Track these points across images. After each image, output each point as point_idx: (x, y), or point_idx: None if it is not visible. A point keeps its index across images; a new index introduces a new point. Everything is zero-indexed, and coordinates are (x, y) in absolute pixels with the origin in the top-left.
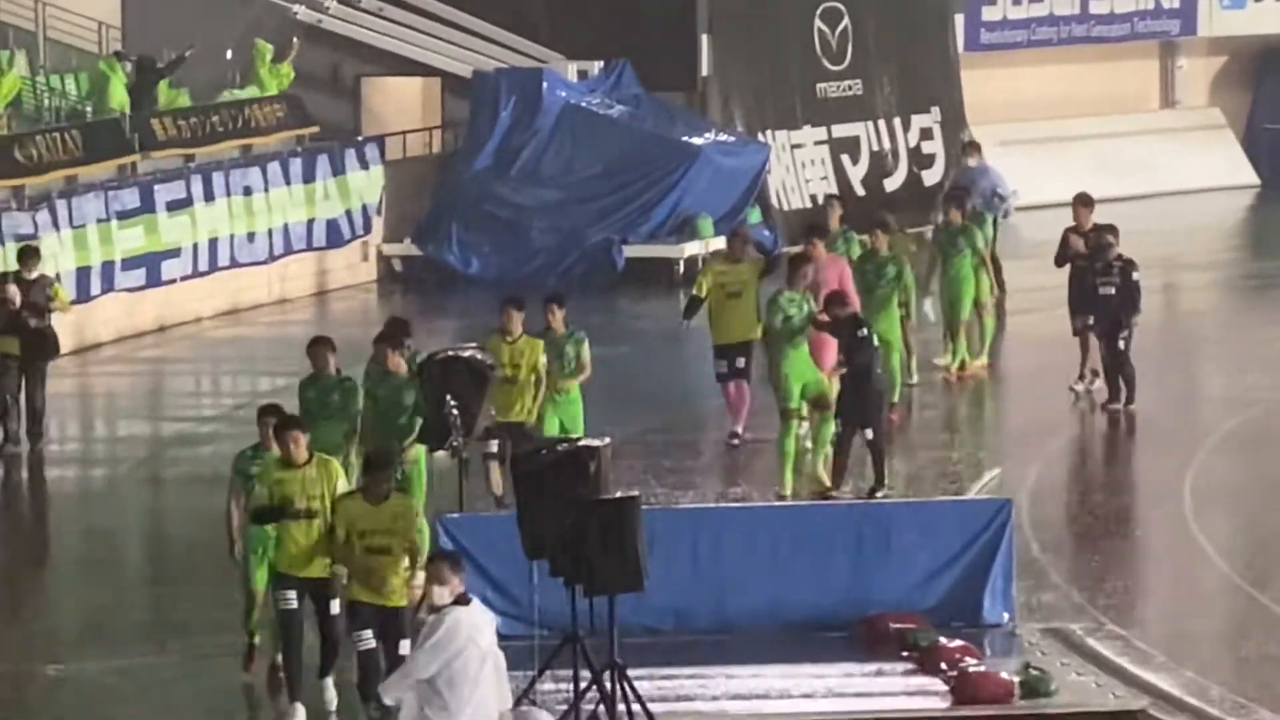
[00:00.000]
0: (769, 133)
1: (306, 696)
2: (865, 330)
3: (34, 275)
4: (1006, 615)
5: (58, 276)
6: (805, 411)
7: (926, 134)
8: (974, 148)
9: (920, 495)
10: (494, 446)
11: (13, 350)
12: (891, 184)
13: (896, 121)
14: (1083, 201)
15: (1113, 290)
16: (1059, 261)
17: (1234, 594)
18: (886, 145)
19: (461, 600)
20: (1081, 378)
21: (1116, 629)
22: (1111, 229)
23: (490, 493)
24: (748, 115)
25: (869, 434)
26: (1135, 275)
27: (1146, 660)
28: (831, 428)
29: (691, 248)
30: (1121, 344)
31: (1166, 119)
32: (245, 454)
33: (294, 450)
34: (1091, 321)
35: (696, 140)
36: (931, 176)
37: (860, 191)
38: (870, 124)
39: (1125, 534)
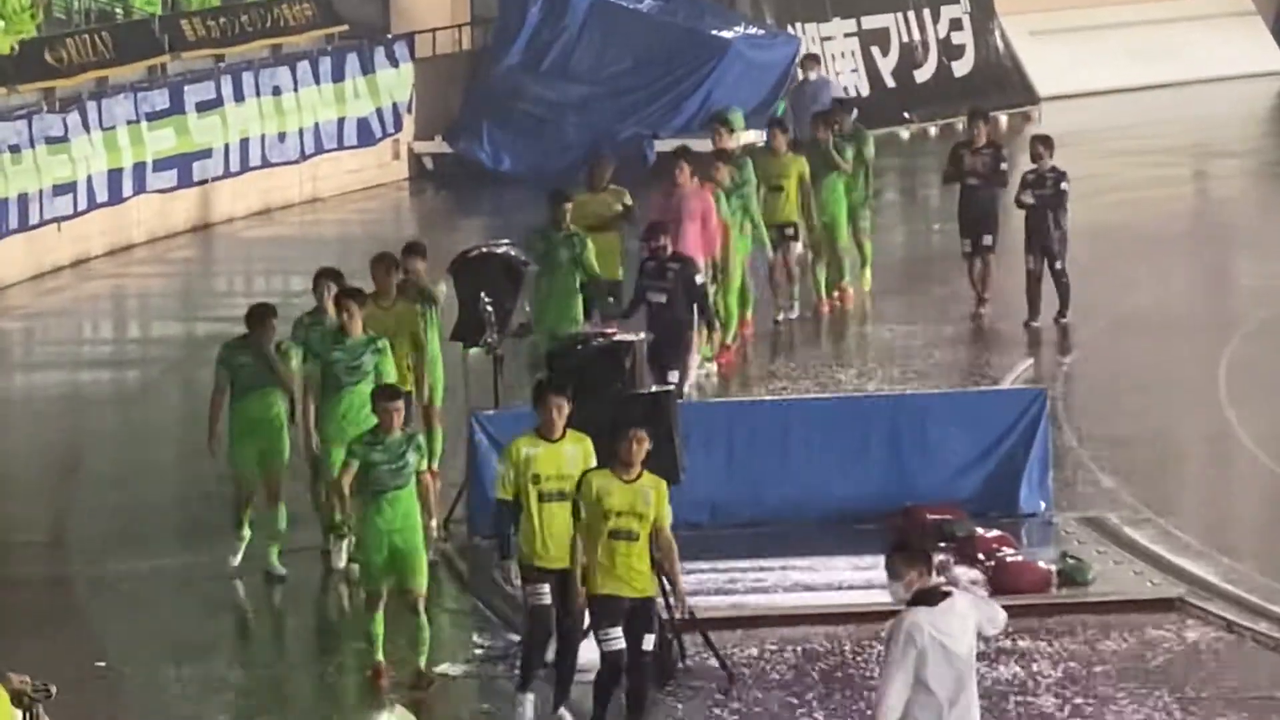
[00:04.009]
0: (798, 25)
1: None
2: (700, 278)
3: None
4: (1043, 505)
5: (90, 179)
6: None
7: (956, 24)
8: (813, 61)
9: (954, 386)
10: None
11: None
12: (921, 75)
13: (926, 12)
14: (980, 116)
15: (1043, 201)
16: (947, 179)
17: (1270, 481)
18: (916, 37)
19: (924, 597)
20: (981, 303)
21: (1153, 517)
22: (1044, 139)
23: None
24: (777, 8)
25: (672, 376)
26: (1065, 185)
27: (1183, 548)
28: None
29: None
30: (1060, 263)
31: (1196, 5)
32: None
33: (559, 421)
34: (988, 238)
35: (726, 34)
36: (961, 68)
37: (890, 83)
38: (900, 15)
39: (1161, 422)
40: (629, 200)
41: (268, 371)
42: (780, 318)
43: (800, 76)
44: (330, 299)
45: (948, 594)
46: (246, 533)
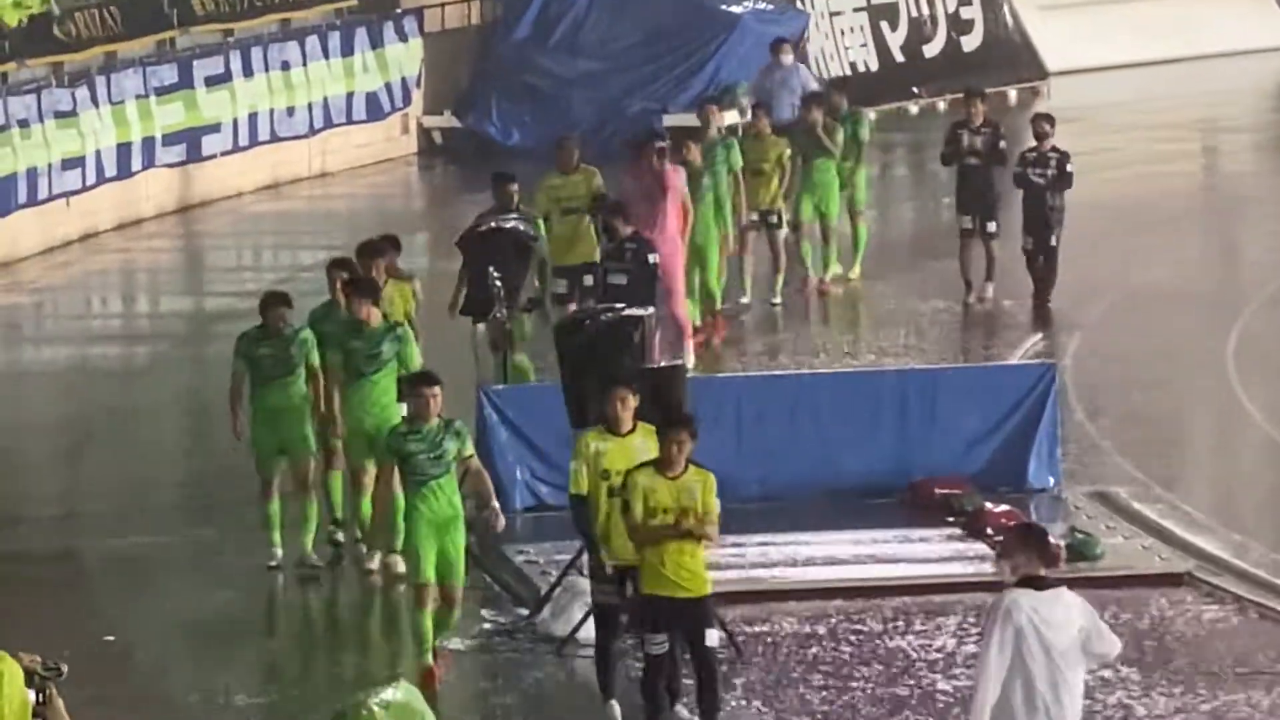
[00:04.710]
0: (807, 0)
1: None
2: (654, 257)
3: None
4: (1052, 479)
5: (98, 154)
6: None
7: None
8: (784, 45)
9: (963, 361)
10: None
11: None
12: (930, 50)
13: None
14: (976, 94)
15: (1044, 182)
16: (947, 160)
17: (1278, 455)
18: (925, 11)
19: (1032, 582)
20: (970, 285)
21: (1162, 492)
22: (1048, 118)
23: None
24: None
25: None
26: (1070, 168)
27: (1192, 523)
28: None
29: (731, 116)
30: (1054, 240)
31: None
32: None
33: (624, 414)
34: (986, 222)
35: (735, 8)
36: (970, 43)
37: (899, 59)
38: None
39: (1169, 397)
40: (599, 181)
41: (288, 360)
42: (744, 300)
43: (771, 60)
44: (341, 289)
45: (1057, 584)
46: (278, 538)
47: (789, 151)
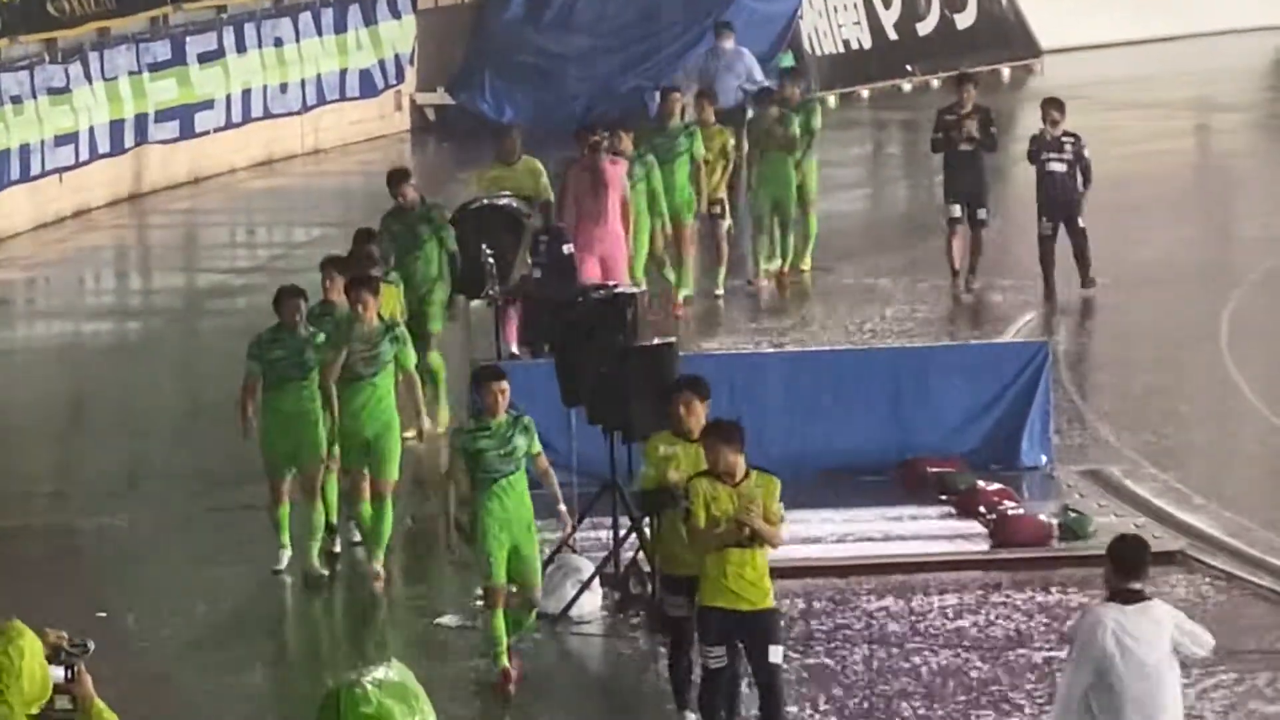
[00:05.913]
0: None
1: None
2: (568, 248)
3: None
4: (1045, 458)
5: (91, 130)
6: None
7: None
8: (727, 29)
9: (957, 339)
10: None
11: None
12: (924, 28)
13: None
14: (968, 79)
15: (1064, 167)
16: (936, 147)
17: (1272, 434)
18: None
19: (1120, 596)
20: (957, 274)
21: (1154, 470)
22: (1057, 104)
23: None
24: None
25: None
26: (1086, 153)
27: (1184, 501)
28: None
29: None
30: (1081, 222)
31: None
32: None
33: (689, 419)
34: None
35: None
36: (964, 20)
37: (893, 36)
38: None
39: (1163, 375)
40: (545, 181)
41: (302, 363)
42: (719, 292)
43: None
44: (335, 289)
45: (1145, 598)
46: (287, 539)
47: (732, 141)
